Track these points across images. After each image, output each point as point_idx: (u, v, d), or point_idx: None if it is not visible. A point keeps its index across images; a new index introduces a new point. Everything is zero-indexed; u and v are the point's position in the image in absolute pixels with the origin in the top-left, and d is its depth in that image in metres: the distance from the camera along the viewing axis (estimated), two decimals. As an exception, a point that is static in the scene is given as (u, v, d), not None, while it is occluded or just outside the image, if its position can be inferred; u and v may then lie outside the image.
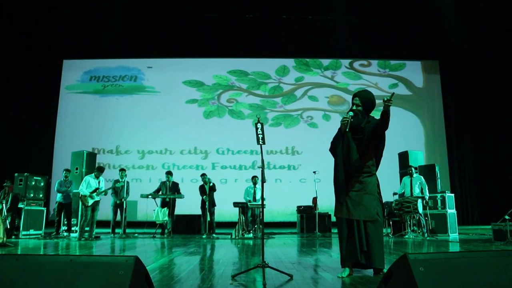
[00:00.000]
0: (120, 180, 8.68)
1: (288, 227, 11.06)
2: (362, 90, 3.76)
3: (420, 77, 13.26)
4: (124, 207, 8.60)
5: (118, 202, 8.63)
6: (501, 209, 6.83)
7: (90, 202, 7.84)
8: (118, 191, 8.64)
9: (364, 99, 3.50)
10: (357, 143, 3.42)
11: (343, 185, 3.40)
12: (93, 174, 8.21)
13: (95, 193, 7.90)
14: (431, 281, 1.74)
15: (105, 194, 8.26)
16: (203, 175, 8.86)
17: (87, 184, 7.95)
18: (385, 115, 3.24)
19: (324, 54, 13.17)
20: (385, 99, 3.16)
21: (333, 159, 3.54)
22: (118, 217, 8.66)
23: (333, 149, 3.57)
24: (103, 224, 9.29)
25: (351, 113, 3.44)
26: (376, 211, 3.36)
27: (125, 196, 8.64)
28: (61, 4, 11.40)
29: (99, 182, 8.10)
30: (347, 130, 3.38)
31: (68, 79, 13.00)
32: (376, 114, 3.49)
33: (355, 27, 12.43)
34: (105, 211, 9.00)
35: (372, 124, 3.43)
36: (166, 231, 8.51)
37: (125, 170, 8.98)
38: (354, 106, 3.51)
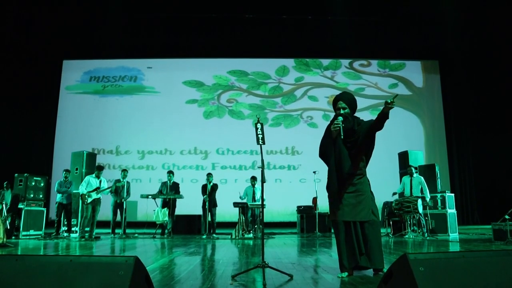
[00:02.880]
0: (122, 180, 8.69)
1: (288, 227, 11.05)
2: (342, 92, 3.62)
3: (420, 77, 13.26)
4: (124, 207, 8.62)
5: (118, 201, 8.65)
6: (501, 209, 6.84)
7: (89, 200, 7.84)
8: (119, 190, 8.66)
9: (349, 101, 3.44)
10: (350, 147, 3.35)
11: (337, 191, 3.36)
12: (93, 174, 8.22)
13: (96, 191, 7.90)
14: (431, 281, 1.73)
15: (111, 192, 8.34)
16: (208, 174, 8.89)
17: (87, 184, 7.95)
18: (384, 117, 3.13)
19: (324, 54, 13.16)
20: (389, 100, 3.03)
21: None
22: (118, 218, 8.67)
23: (324, 157, 3.48)
24: (103, 224, 9.29)
25: (341, 118, 3.33)
26: (372, 210, 3.36)
27: (125, 196, 8.65)
28: (61, 4, 11.39)
29: (100, 182, 8.11)
30: (341, 136, 3.28)
31: (68, 79, 13.00)
32: (361, 115, 3.46)
33: (355, 27, 12.40)
34: (105, 211, 9.00)
35: (364, 126, 3.35)
36: (166, 231, 8.51)
37: (127, 171, 9.02)
38: (341, 110, 3.40)
